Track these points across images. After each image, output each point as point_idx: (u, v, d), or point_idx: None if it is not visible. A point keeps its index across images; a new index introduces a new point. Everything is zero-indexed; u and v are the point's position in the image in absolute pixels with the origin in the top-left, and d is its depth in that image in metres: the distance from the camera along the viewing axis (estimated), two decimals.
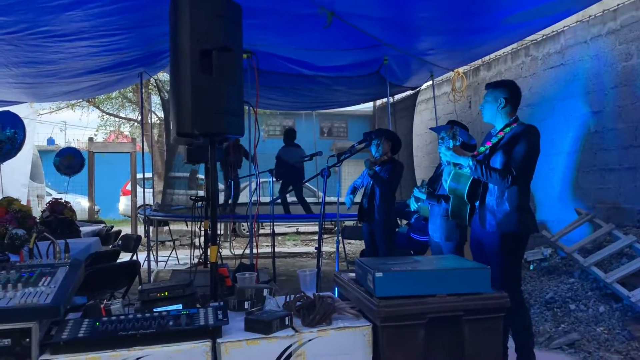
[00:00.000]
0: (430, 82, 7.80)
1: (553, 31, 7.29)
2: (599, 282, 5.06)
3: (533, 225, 3.22)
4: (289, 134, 8.42)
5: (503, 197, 3.14)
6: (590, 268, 5.17)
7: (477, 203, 3.30)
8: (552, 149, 7.26)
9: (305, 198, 8.83)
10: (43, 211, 6.35)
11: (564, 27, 7.09)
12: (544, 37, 7.56)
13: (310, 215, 8.02)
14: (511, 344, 3.22)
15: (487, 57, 8.58)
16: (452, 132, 3.33)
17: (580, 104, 6.92)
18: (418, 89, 8.78)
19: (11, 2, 3.80)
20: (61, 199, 6.26)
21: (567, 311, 4.84)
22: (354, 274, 2.57)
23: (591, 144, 6.75)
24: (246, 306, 2.32)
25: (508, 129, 3.23)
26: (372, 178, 4.81)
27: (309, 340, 2.03)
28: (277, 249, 5.37)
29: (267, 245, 8.30)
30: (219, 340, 1.95)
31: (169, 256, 8.32)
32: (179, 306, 2.21)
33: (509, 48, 8.06)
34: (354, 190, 5.10)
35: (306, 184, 9.60)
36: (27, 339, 1.81)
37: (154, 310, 2.13)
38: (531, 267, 6.18)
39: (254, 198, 5.90)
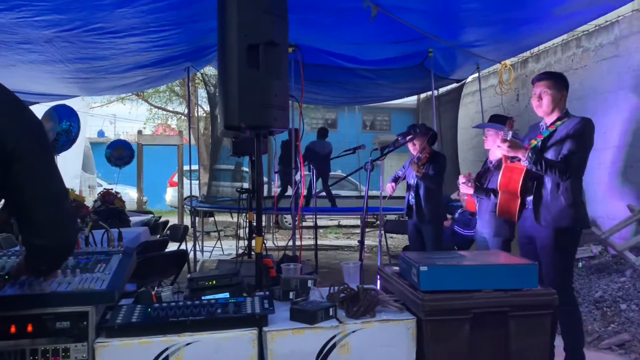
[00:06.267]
0: (476, 75, 7.65)
1: (606, 21, 7.01)
2: None
3: (586, 220, 3.17)
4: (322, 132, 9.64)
5: (558, 192, 3.08)
6: None
7: (528, 198, 3.24)
8: (604, 143, 7.01)
9: (347, 192, 8.88)
10: (95, 201, 6.61)
11: (619, 16, 6.81)
12: (597, 27, 7.28)
13: (352, 208, 8.04)
14: (558, 342, 3.15)
15: (535, 49, 8.33)
16: (509, 123, 3.22)
17: (635, 96, 6.65)
18: (463, 82, 8.62)
19: (68, 0, 3.96)
20: (112, 189, 6.50)
21: (617, 311, 4.69)
22: (397, 268, 2.57)
23: None
24: (291, 296, 2.36)
25: (559, 122, 3.16)
26: (422, 180, 4.76)
27: (353, 332, 2.05)
28: (319, 242, 5.42)
29: (309, 238, 8.36)
30: (265, 329, 1.99)
31: (214, 246, 8.51)
32: (226, 295, 2.27)
33: (559, 39, 7.79)
34: (395, 180, 5.07)
35: (349, 177, 9.63)
36: (85, 322, 1.89)
37: (203, 298, 2.20)
38: (579, 264, 6.01)
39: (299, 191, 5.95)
